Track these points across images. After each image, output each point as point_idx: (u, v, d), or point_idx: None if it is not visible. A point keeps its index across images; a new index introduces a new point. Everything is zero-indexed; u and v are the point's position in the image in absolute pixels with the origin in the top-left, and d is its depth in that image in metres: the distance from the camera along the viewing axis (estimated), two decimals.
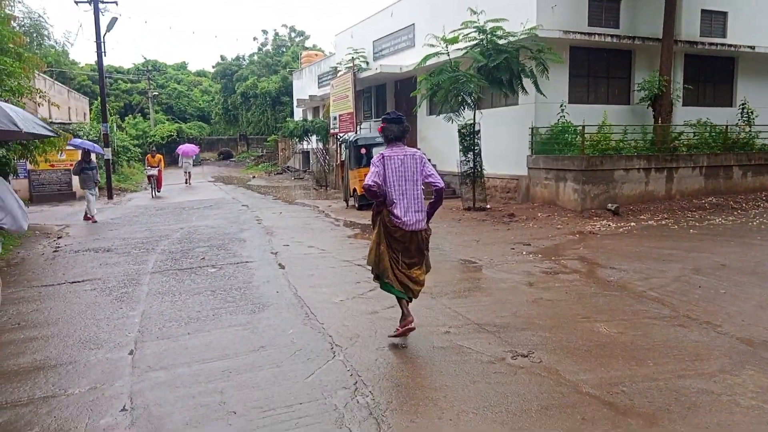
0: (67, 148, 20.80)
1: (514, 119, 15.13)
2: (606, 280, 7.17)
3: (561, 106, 14.04)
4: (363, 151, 15.26)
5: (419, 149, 5.25)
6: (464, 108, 13.90)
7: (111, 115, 37.70)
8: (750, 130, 15.75)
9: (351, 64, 21.54)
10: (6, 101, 8.78)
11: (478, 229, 11.46)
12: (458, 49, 14.00)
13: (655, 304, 6.10)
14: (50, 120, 26.09)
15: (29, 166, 17.81)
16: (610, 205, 12.85)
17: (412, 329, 4.82)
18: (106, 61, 24.28)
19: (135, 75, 56.00)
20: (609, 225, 11.57)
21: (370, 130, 21.98)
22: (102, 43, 21.46)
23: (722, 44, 16.34)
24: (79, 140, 17.29)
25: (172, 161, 35.55)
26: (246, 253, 9.24)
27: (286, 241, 10.29)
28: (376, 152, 5.14)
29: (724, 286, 6.71)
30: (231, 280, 7.37)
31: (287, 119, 32.62)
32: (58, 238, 11.77)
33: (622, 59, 15.74)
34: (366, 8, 24.56)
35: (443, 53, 13.86)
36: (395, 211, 4.80)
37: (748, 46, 16.55)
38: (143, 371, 4.46)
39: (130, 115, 47.67)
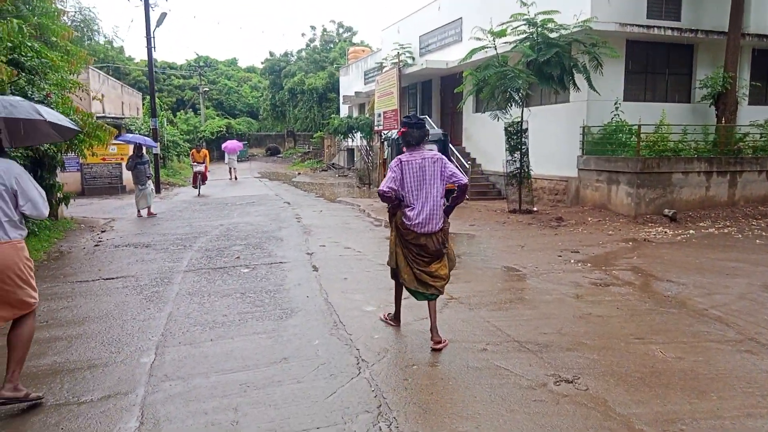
0: (117, 141, 21.45)
1: (564, 117, 14.45)
2: (662, 294, 6.58)
3: (615, 103, 13.29)
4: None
5: (437, 153, 4.99)
6: (511, 105, 13.35)
7: (163, 111, 38.63)
8: None
9: (396, 60, 21.18)
10: (47, 96, 8.83)
11: (524, 234, 10.93)
12: (506, 42, 13.45)
13: (718, 324, 5.52)
14: (103, 114, 26.85)
15: (82, 160, 18.21)
16: (666, 210, 12.06)
17: (396, 326, 5.27)
18: (160, 57, 24.94)
19: (187, 71, 57.27)
20: (665, 232, 10.83)
21: None
22: (152, 39, 21.84)
23: None
24: (131, 135, 17.35)
25: (220, 156, 36.08)
26: (281, 253, 9.03)
27: (323, 241, 10.04)
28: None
29: None
30: (262, 282, 7.16)
31: (332, 116, 32.57)
32: (102, 231, 11.90)
33: (683, 54, 14.81)
34: (415, 3, 24.18)
35: (490, 47, 13.34)
36: (409, 213, 4.79)
37: None
38: (159, 380, 4.25)
39: (182, 111, 48.75)
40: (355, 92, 29.28)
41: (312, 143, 44.71)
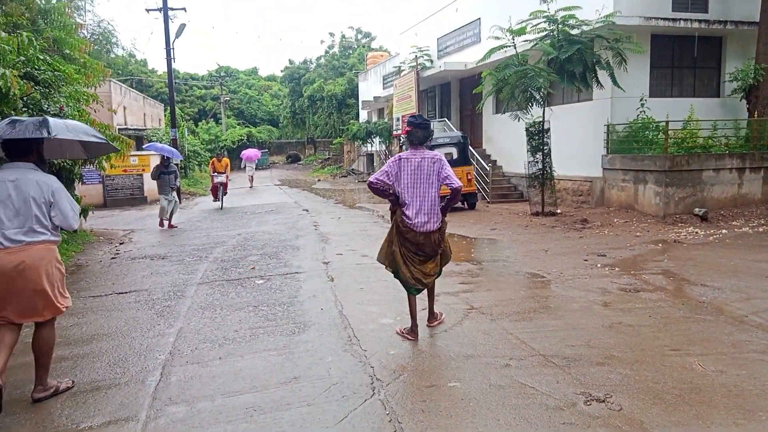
0: (140, 153, 21.53)
1: (587, 116, 14.02)
2: (697, 300, 6.18)
3: (641, 100, 12.84)
4: None
5: (439, 153, 5.24)
6: (532, 105, 12.97)
7: (185, 121, 38.97)
8: None
9: (414, 63, 20.94)
10: (61, 108, 8.77)
11: (547, 237, 10.55)
12: (526, 41, 13.10)
13: (760, 332, 5.12)
14: (125, 126, 27.12)
15: (102, 172, 18.26)
16: (697, 209, 11.57)
17: (414, 340, 5.05)
18: (182, 69, 25.13)
19: (209, 81, 57.88)
20: (696, 232, 10.36)
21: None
22: (171, 50, 21.95)
23: None
24: (160, 144, 16.93)
25: (239, 164, 36.19)
26: (297, 263, 8.81)
27: (340, 250, 9.80)
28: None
29: None
30: (276, 294, 6.94)
31: (351, 121, 32.45)
32: (120, 244, 11.84)
33: (711, 47, 14.28)
34: (432, 6, 23.84)
35: (509, 46, 13.01)
36: (407, 212, 4.90)
37: None
38: (164, 404, 4.03)
39: (204, 120, 49.20)
40: (374, 97, 29.11)
41: (332, 149, 44.70)
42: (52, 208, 4.11)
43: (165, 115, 38.15)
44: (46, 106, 8.99)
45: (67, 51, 10.24)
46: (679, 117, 12.49)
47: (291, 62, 49.62)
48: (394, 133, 22.32)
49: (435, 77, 20.97)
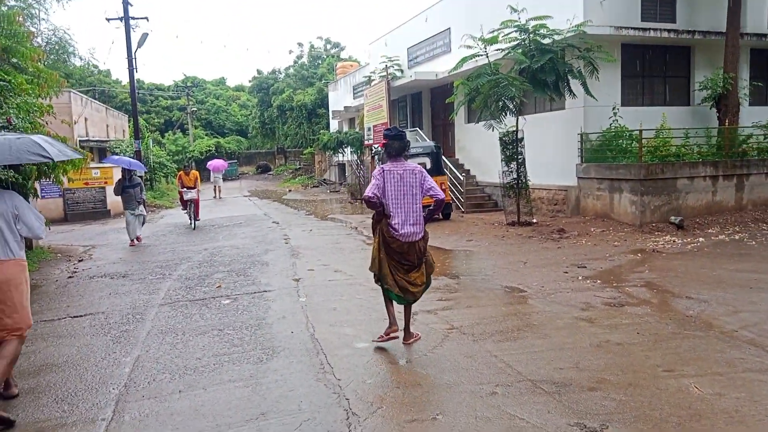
0: (102, 165, 20.74)
1: (560, 125, 13.92)
2: (684, 314, 5.98)
3: (613, 109, 12.79)
4: None
5: (419, 165, 5.27)
6: (505, 114, 12.79)
7: (150, 132, 38.01)
8: None
9: (385, 73, 20.70)
10: (9, 120, 8.21)
11: (525, 248, 10.32)
12: (498, 50, 12.94)
13: (752, 349, 4.91)
14: (87, 137, 26.21)
15: (62, 186, 17.43)
16: (673, 217, 11.51)
17: (395, 338, 5.08)
18: (147, 79, 24.50)
19: (175, 91, 56.77)
20: (674, 241, 10.27)
21: None
22: (134, 60, 21.30)
23: None
24: (117, 157, 15.80)
25: (208, 176, 35.40)
26: (266, 280, 8.37)
27: (312, 265, 9.40)
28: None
29: None
30: (243, 315, 6.50)
31: (322, 131, 32.05)
32: (79, 261, 11.21)
33: (680, 56, 14.37)
34: (402, 16, 23.84)
35: (481, 55, 12.84)
36: (392, 222, 4.96)
37: None
38: None
39: (170, 131, 48.14)
40: (344, 107, 28.77)
41: (302, 159, 44.15)
42: (17, 221, 4.20)
43: (129, 126, 37.10)
44: None
45: (16, 60, 9.64)
46: (651, 125, 12.46)
47: (259, 72, 48.98)
48: (366, 142, 22.01)
49: (406, 87, 20.76)
